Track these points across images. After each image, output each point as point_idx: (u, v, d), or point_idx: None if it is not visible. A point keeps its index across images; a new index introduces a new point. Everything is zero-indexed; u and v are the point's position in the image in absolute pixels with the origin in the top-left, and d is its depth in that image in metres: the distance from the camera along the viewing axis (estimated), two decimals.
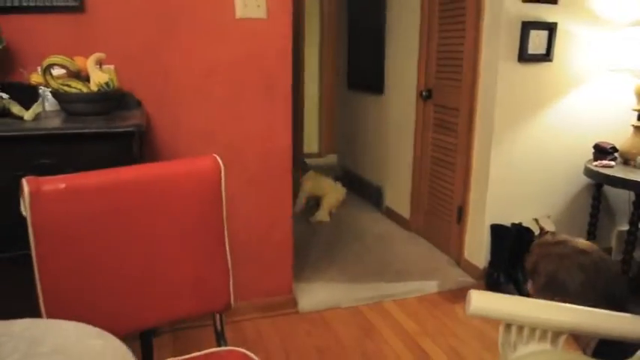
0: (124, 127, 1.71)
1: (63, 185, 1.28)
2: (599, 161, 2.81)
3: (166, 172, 1.41)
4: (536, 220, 2.92)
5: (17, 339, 0.86)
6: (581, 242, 1.34)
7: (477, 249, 3.02)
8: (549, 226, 2.89)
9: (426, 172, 3.51)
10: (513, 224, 2.88)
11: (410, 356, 2.33)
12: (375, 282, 2.98)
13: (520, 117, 2.83)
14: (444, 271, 3.11)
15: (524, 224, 2.87)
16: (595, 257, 1.29)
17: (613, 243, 3.22)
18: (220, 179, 1.43)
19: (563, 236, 1.42)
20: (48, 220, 1.25)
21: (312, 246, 3.45)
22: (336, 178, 5.00)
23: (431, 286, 2.94)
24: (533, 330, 0.91)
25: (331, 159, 5.32)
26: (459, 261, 3.16)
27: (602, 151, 2.85)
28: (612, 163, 2.79)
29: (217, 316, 1.51)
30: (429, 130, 3.43)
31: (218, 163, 1.43)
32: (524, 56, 2.73)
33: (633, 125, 2.82)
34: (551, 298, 1.08)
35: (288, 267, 2.68)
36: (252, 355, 1.44)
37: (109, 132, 1.71)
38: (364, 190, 4.42)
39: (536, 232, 2.87)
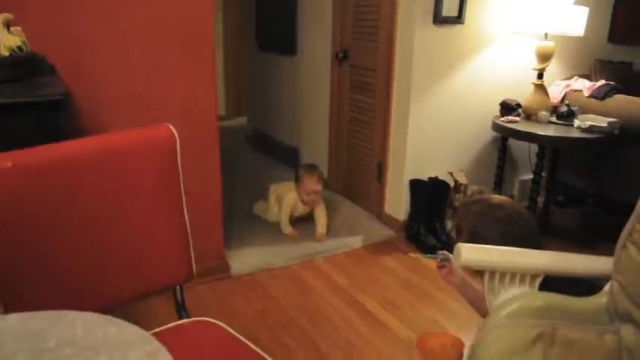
0: (49, 96, 1.58)
1: (9, 163, 1.18)
2: (505, 117, 3.05)
3: (119, 144, 1.34)
4: (451, 174, 3.12)
5: (18, 336, 0.81)
6: (496, 197, 1.47)
7: (397, 203, 3.18)
8: (462, 179, 3.10)
9: (343, 132, 3.60)
10: (430, 178, 3.06)
11: (346, 308, 2.45)
12: (302, 242, 3.05)
13: (435, 77, 2.97)
14: (367, 226, 3.24)
15: (440, 178, 3.06)
16: (509, 210, 1.42)
17: (515, 191, 3.52)
18: (176, 149, 1.39)
19: (482, 195, 1.56)
20: None
21: (234, 210, 3.44)
22: (247, 140, 4.98)
23: (356, 241, 3.07)
24: (513, 275, 1.01)
25: (240, 121, 5.26)
26: (380, 216, 3.31)
27: (507, 108, 3.08)
28: (517, 118, 3.04)
29: (178, 288, 1.49)
30: (345, 90, 3.50)
31: (172, 132, 1.39)
32: (439, 18, 2.86)
33: (534, 83, 3.07)
34: None
35: (219, 232, 2.67)
36: (220, 323, 1.45)
37: (34, 101, 1.58)
38: (279, 152, 4.44)
39: (452, 184, 3.07)
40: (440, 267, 1.57)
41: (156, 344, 0.73)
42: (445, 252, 1.56)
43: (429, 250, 2.92)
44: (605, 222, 3.03)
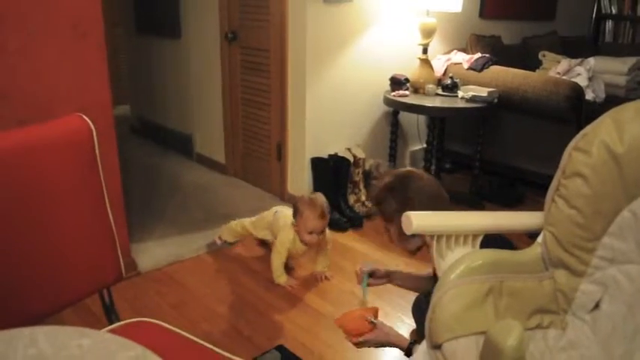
0: None
1: None
2: (395, 91, 3.18)
3: (27, 140, 1.22)
4: (349, 150, 3.20)
5: None
6: (407, 169, 1.62)
7: (300, 182, 3.21)
8: (360, 154, 3.20)
9: (238, 115, 3.54)
10: (330, 155, 3.13)
11: (264, 292, 2.44)
12: (208, 229, 2.98)
13: (328, 55, 3.02)
14: (271, 207, 3.24)
15: (340, 154, 3.14)
16: (426, 176, 1.55)
17: (407, 161, 3.71)
18: (93, 140, 1.30)
19: (395, 170, 1.67)
20: None
21: (131, 204, 3.27)
22: (132, 130, 4.73)
23: None
24: (457, 237, 1.07)
25: (123, 110, 4.97)
26: (283, 196, 3.33)
27: (397, 82, 3.22)
28: (406, 92, 3.18)
29: (105, 291, 1.40)
30: (237, 72, 3.44)
31: (86, 122, 1.29)
32: None
33: (419, 58, 3.23)
34: None
35: (123, 228, 2.53)
36: (156, 321, 1.39)
37: None
38: (170, 140, 4.28)
39: (351, 159, 3.16)
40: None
41: (139, 348, 0.69)
42: (365, 270, 1.82)
43: (334, 224, 3.00)
44: (490, 184, 3.31)
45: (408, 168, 1.65)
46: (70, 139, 1.26)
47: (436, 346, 0.96)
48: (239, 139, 3.60)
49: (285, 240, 2.45)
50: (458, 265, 0.99)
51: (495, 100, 3.08)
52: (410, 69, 3.26)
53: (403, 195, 1.39)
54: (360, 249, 2.86)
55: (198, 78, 3.82)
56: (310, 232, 2.38)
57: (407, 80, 3.21)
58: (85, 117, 1.30)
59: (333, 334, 2.07)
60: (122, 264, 1.36)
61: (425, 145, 3.16)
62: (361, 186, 3.21)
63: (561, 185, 1.03)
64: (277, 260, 2.47)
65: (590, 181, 1.02)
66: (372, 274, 1.83)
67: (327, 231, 2.53)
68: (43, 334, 0.73)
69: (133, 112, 4.77)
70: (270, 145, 3.34)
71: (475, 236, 1.11)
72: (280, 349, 2.04)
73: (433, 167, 3.45)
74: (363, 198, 3.19)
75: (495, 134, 3.34)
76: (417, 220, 1.07)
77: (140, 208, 3.22)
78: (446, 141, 3.55)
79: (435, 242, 1.09)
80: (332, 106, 3.13)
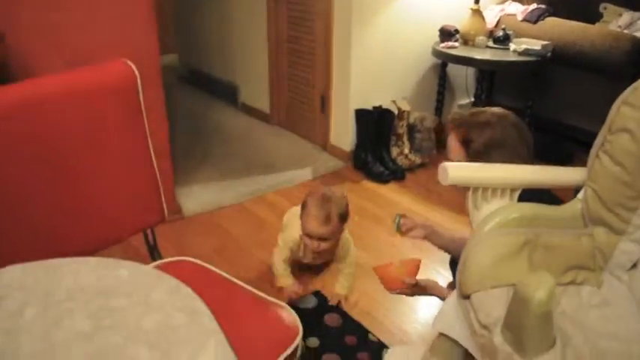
0: None
1: None
2: (444, 43, 3.09)
3: (75, 83, 1.26)
4: (394, 102, 3.16)
5: (24, 287, 0.76)
6: (496, 109, 1.51)
7: (343, 134, 3.21)
8: (405, 107, 3.15)
9: (283, 66, 3.53)
10: (375, 107, 3.09)
11: None
12: (251, 177, 3.03)
13: (375, 5, 2.94)
14: (314, 158, 3.26)
15: (385, 106, 3.10)
16: (515, 117, 1.47)
17: None
18: (137, 86, 1.32)
19: (473, 109, 1.58)
20: None
21: (176, 151, 3.34)
22: (181, 79, 4.79)
23: (305, 174, 3.09)
24: (494, 190, 1.06)
25: (171, 59, 5.02)
26: (326, 147, 3.33)
27: (446, 34, 3.12)
28: (456, 44, 3.09)
29: (149, 231, 1.46)
30: (283, 24, 3.41)
31: (131, 68, 1.32)
32: None
33: (471, 8, 3.11)
34: (487, 160, 1.23)
35: (169, 173, 2.60)
36: (197, 261, 1.44)
37: None
38: (217, 89, 4.31)
39: (396, 112, 3.12)
40: (404, 230, 1.72)
41: (173, 281, 0.72)
42: (399, 213, 1.74)
43: (376, 176, 3.00)
44: (541, 141, 3.21)
45: (495, 108, 1.54)
46: (114, 84, 1.30)
47: (465, 297, 0.97)
48: (284, 89, 3.60)
49: (289, 238, 2.03)
50: (493, 217, 0.98)
51: (549, 54, 2.95)
52: (460, 20, 3.15)
53: (499, 133, 1.32)
54: (401, 201, 2.86)
55: (244, 28, 3.80)
56: (308, 235, 1.92)
57: (456, 31, 3.11)
58: (129, 62, 1.32)
59: (370, 282, 2.10)
60: (165, 207, 1.41)
61: (472, 99, 3.08)
62: (405, 139, 3.18)
63: (607, 141, 1.00)
64: (277, 256, 2.04)
65: (637, 137, 0.98)
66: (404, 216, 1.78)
67: (353, 249, 2.10)
68: (85, 265, 0.77)
69: (181, 62, 4.81)
70: (314, 96, 3.33)
71: (513, 190, 1.09)
72: (316, 294, 2.09)
73: None
74: (406, 151, 3.16)
75: (547, 89, 3.22)
76: (453, 171, 1.06)
77: (185, 155, 3.29)
78: (495, 95, 3.44)
79: (470, 193, 1.07)
80: (378, 57, 3.07)
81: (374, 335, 1.90)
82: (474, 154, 1.25)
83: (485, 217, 0.98)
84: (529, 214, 1.00)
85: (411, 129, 3.23)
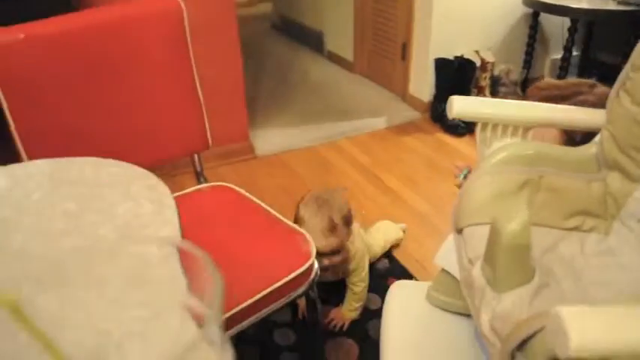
0: None
1: (22, 35, 1.23)
2: None
3: (127, 14, 1.37)
4: (477, 52, 3.04)
5: (37, 176, 0.90)
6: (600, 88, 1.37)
7: (422, 83, 3.15)
8: (490, 58, 3.02)
9: (368, 13, 3.49)
10: (456, 57, 2.99)
11: (367, 184, 2.53)
12: (326, 122, 3.09)
13: None
14: (391, 108, 3.25)
15: (466, 56, 2.99)
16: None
17: (546, 70, 3.42)
18: (183, 20, 1.40)
19: (570, 80, 1.44)
20: (13, 72, 1.22)
21: (259, 93, 3.47)
22: (273, 27, 4.89)
23: (380, 122, 3.09)
24: (506, 127, 1.03)
25: (265, 7, 5.14)
26: (404, 97, 3.30)
27: None
28: None
29: (196, 157, 1.57)
30: None
31: (178, 2, 1.40)
32: None
33: None
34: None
35: (243, 114, 2.72)
36: (234, 186, 1.54)
37: None
38: (305, 37, 4.37)
39: (478, 63, 3.00)
40: None
41: (154, 179, 0.81)
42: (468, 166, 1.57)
43: (452, 129, 2.93)
44: None
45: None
46: (160, 17, 1.38)
47: (459, 231, 0.97)
48: (368, 38, 3.57)
49: None
50: (498, 152, 0.96)
51: None
52: None
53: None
54: (474, 156, 2.78)
55: None
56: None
57: None
58: None
59: (422, 230, 2.11)
60: (209, 135, 1.50)
61: (563, 53, 2.88)
62: (487, 92, 3.06)
63: (628, 79, 0.92)
64: None
65: None
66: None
67: (367, 260, 1.75)
68: (91, 163, 0.88)
69: (274, 10, 4.90)
70: (396, 44, 3.28)
71: (526, 129, 1.04)
72: None
73: (574, 78, 3.15)
74: None
75: None
76: (460, 105, 1.03)
77: (267, 98, 3.41)
78: (592, 49, 3.19)
79: (478, 130, 1.05)
80: (462, 4, 2.94)
81: (417, 280, 1.92)
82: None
83: (491, 152, 0.96)
84: (538, 152, 0.96)
85: (495, 82, 3.10)
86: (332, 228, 1.53)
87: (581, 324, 0.54)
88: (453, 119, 2.85)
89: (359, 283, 1.71)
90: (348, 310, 1.72)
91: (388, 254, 2.05)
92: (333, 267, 1.61)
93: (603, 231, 0.97)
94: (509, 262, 0.81)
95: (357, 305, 1.73)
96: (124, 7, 1.36)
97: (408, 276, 1.94)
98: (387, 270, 1.98)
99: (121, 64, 1.34)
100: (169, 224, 0.70)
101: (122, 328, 0.26)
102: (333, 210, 1.55)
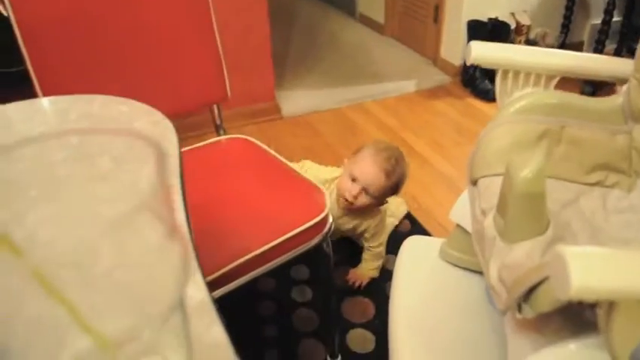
0: None
1: None
2: None
3: None
4: (513, 15, 2.93)
5: (45, 112, 0.91)
6: None
7: (454, 47, 3.06)
8: (525, 20, 2.91)
9: None
10: (490, 19, 2.89)
11: None
12: (354, 85, 3.04)
13: None
14: (421, 71, 3.17)
15: (501, 19, 2.88)
16: None
17: (586, 37, 3.28)
18: None
19: None
20: (32, 12, 1.22)
21: (288, 54, 3.44)
22: None
23: (409, 86, 3.03)
24: (528, 75, 0.98)
25: None
26: (436, 60, 3.21)
27: None
28: None
29: (215, 107, 1.56)
30: None
31: None
32: None
33: None
34: None
35: (269, 73, 2.69)
36: (253, 139, 1.53)
37: None
38: None
39: (513, 26, 2.89)
40: None
41: (159, 115, 0.80)
42: None
43: (483, 94, 2.85)
44: None
45: None
46: None
47: (473, 182, 0.93)
48: None
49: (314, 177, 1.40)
50: (518, 101, 0.92)
51: None
52: None
53: None
54: None
55: None
56: (353, 179, 1.53)
57: None
58: None
59: (447, 195, 2.08)
60: (228, 86, 1.49)
61: (603, 17, 2.74)
62: None
63: None
64: None
65: None
66: None
67: (387, 233, 1.75)
68: (100, 100, 0.87)
69: None
70: (428, 6, 3.18)
71: (550, 77, 0.98)
72: None
73: (613, 46, 3.01)
74: None
75: None
76: (479, 50, 0.99)
77: (298, 61, 3.37)
78: (635, 15, 3.03)
79: (499, 77, 1.00)
80: None
81: None
82: None
83: (511, 100, 0.92)
84: (561, 102, 0.91)
85: (531, 46, 2.99)
86: (388, 172, 1.52)
87: (584, 264, 0.51)
88: (474, 67, 2.76)
89: (378, 247, 1.71)
90: (368, 269, 1.71)
91: (410, 217, 2.02)
92: (351, 210, 1.59)
93: (626, 188, 0.92)
94: (522, 211, 0.78)
95: (377, 264, 1.72)
96: None
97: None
98: (409, 232, 1.95)
99: (140, 10, 1.33)
100: (169, 157, 0.70)
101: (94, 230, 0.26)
102: (399, 167, 1.56)
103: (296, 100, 2.87)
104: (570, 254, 0.52)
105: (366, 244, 1.71)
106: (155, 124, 0.77)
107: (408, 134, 2.59)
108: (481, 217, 0.89)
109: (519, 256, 0.78)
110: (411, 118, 2.75)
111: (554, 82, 0.98)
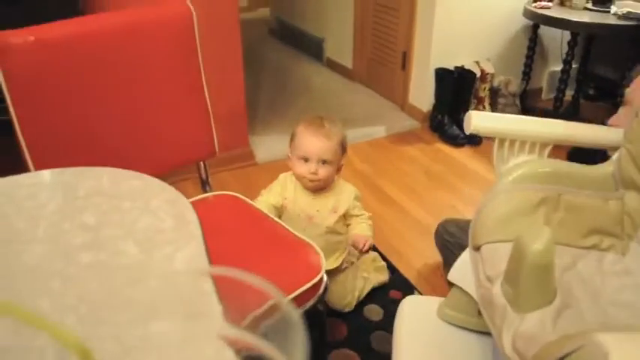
0: None
1: (32, 38, 1.21)
2: (537, 2, 2.91)
3: (136, 19, 1.35)
4: (477, 63, 3.05)
5: (50, 187, 0.88)
6: None
7: (421, 93, 3.15)
8: (489, 69, 3.03)
9: (368, 21, 3.50)
10: (456, 67, 3.00)
11: (367, 193, 2.51)
12: None
13: None
14: (390, 117, 3.25)
15: (467, 67, 2.99)
16: None
17: (544, 83, 3.44)
18: (193, 25, 1.39)
19: None
20: (22, 75, 1.20)
21: (259, 99, 3.46)
22: (271, 32, 4.88)
23: (379, 131, 3.08)
24: (523, 143, 1.03)
25: (263, 13, 5.13)
26: (404, 106, 3.30)
27: None
28: (550, 4, 2.90)
29: (202, 164, 1.55)
30: None
31: (188, 8, 1.39)
32: None
33: None
34: None
35: (243, 121, 2.71)
36: (240, 196, 1.52)
37: None
38: (304, 43, 4.36)
39: (478, 74, 3.01)
40: None
41: (175, 192, 0.79)
42: None
43: (451, 139, 2.94)
44: None
45: None
46: (172, 20, 1.37)
47: (476, 248, 0.96)
48: (367, 45, 3.58)
49: (275, 184, 1.74)
50: (515, 169, 0.95)
51: None
52: None
53: None
54: (472, 167, 2.79)
55: None
56: (305, 159, 1.58)
57: None
58: (188, 2, 1.39)
59: (423, 242, 2.11)
60: (216, 143, 1.49)
61: (562, 66, 2.89)
62: (486, 103, 3.07)
63: None
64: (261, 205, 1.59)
65: None
66: None
67: (359, 203, 1.73)
68: (108, 173, 0.86)
69: (272, 15, 4.89)
70: (396, 53, 3.28)
71: (543, 145, 1.04)
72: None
73: (571, 92, 3.17)
74: None
75: None
76: (477, 120, 1.03)
77: (266, 106, 3.39)
78: (590, 63, 3.21)
79: (496, 146, 1.04)
80: (463, 15, 2.95)
81: (419, 292, 1.91)
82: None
83: (508, 168, 0.96)
84: (555, 170, 0.95)
85: (494, 93, 3.11)
86: (328, 135, 1.57)
87: (622, 350, 0.54)
88: (442, 113, 2.86)
89: (367, 219, 1.71)
90: (362, 230, 1.66)
91: (389, 266, 2.04)
92: (317, 184, 1.61)
93: (620, 251, 0.97)
94: (533, 282, 0.80)
95: (370, 234, 1.67)
96: (135, 12, 1.35)
97: (410, 287, 1.93)
98: (389, 282, 1.97)
99: (130, 70, 1.32)
100: (194, 239, 0.69)
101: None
102: (332, 126, 1.60)
103: (269, 146, 2.88)
104: (608, 342, 0.54)
105: (355, 220, 1.70)
106: (172, 204, 0.77)
107: (380, 179, 2.63)
108: (487, 283, 0.91)
109: (532, 326, 0.80)
110: (384, 163, 2.80)
111: (548, 149, 1.03)
